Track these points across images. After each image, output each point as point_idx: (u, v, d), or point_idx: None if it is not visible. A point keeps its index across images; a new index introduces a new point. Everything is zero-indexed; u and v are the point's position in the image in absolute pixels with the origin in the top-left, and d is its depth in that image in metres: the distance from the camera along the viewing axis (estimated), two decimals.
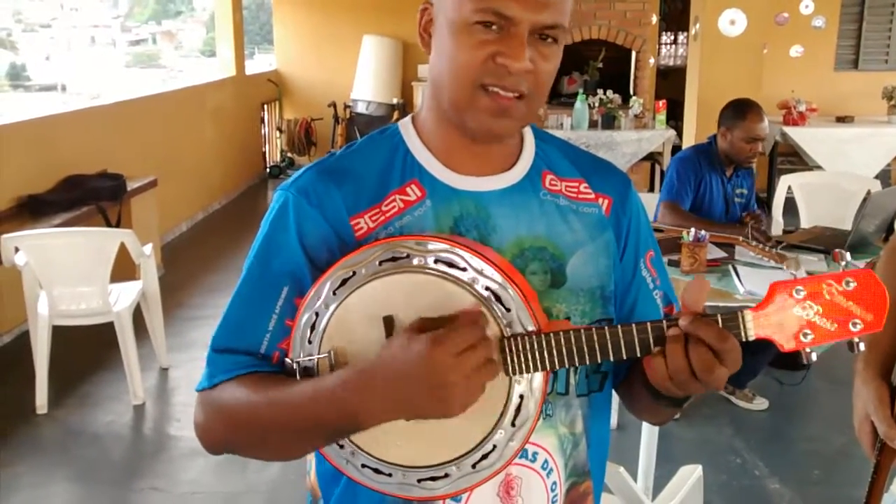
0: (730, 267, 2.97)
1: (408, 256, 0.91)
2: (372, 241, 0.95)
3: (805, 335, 0.87)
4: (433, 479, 0.94)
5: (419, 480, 0.94)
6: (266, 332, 0.99)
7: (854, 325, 0.87)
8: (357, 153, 1.05)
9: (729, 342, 0.87)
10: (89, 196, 4.65)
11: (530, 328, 0.92)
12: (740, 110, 3.49)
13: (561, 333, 0.91)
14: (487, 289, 0.91)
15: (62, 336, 3.73)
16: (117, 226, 4.71)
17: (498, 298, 0.91)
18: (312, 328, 0.94)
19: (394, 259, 0.91)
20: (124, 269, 3.90)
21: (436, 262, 0.91)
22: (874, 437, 1.34)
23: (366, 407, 0.88)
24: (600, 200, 1.09)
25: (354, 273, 0.92)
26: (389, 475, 0.95)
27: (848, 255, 0.88)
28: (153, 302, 3.97)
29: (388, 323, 0.92)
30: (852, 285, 0.86)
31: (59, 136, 5.03)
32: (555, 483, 1.05)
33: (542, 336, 0.91)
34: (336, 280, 0.93)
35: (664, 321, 0.90)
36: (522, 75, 0.94)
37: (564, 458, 1.06)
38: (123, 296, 3.77)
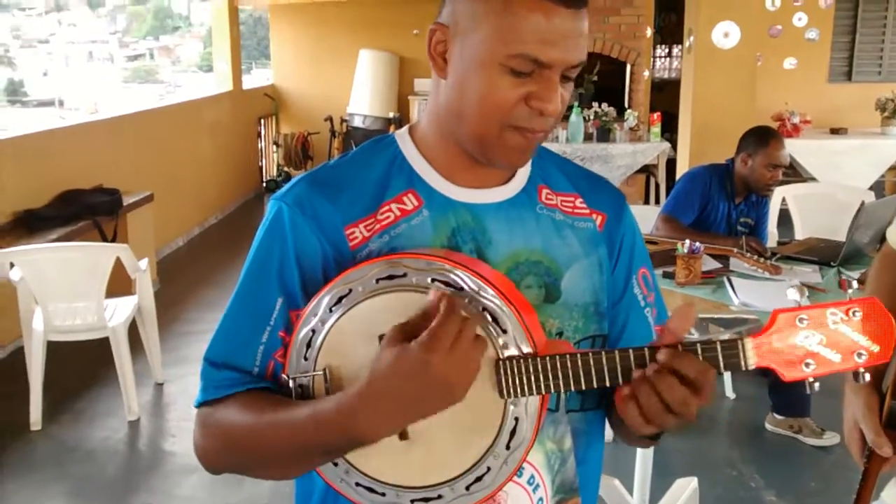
0: (724, 278, 2.97)
1: (405, 275, 0.90)
2: (371, 259, 0.94)
3: (807, 365, 0.84)
4: (426, 499, 0.93)
5: (412, 501, 0.93)
6: (259, 345, 0.98)
7: (859, 355, 0.83)
8: (351, 162, 1.05)
9: (709, 374, 0.86)
10: (85, 211, 4.65)
11: (526, 350, 0.90)
12: (763, 137, 3.48)
13: (557, 357, 0.89)
14: (484, 309, 0.89)
15: (57, 351, 3.73)
16: (113, 241, 4.71)
17: (494, 319, 0.90)
18: (308, 345, 0.93)
19: (391, 277, 0.91)
20: (120, 284, 3.89)
21: (432, 281, 0.90)
22: (863, 444, 1.36)
23: (367, 425, 0.87)
24: (594, 216, 1.09)
25: (351, 290, 0.92)
26: (383, 494, 0.94)
27: (855, 283, 0.86)
28: (149, 317, 3.97)
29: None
30: (858, 315, 0.83)
31: (55, 151, 5.04)
32: (541, 499, 1.04)
33: (538, 359, 0.89)
34: (333, 297, 0.92)
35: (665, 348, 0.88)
36: (552, 115, 0.95)
37: (552, 474, 1.05)
38: (119, 311, 3.77)
